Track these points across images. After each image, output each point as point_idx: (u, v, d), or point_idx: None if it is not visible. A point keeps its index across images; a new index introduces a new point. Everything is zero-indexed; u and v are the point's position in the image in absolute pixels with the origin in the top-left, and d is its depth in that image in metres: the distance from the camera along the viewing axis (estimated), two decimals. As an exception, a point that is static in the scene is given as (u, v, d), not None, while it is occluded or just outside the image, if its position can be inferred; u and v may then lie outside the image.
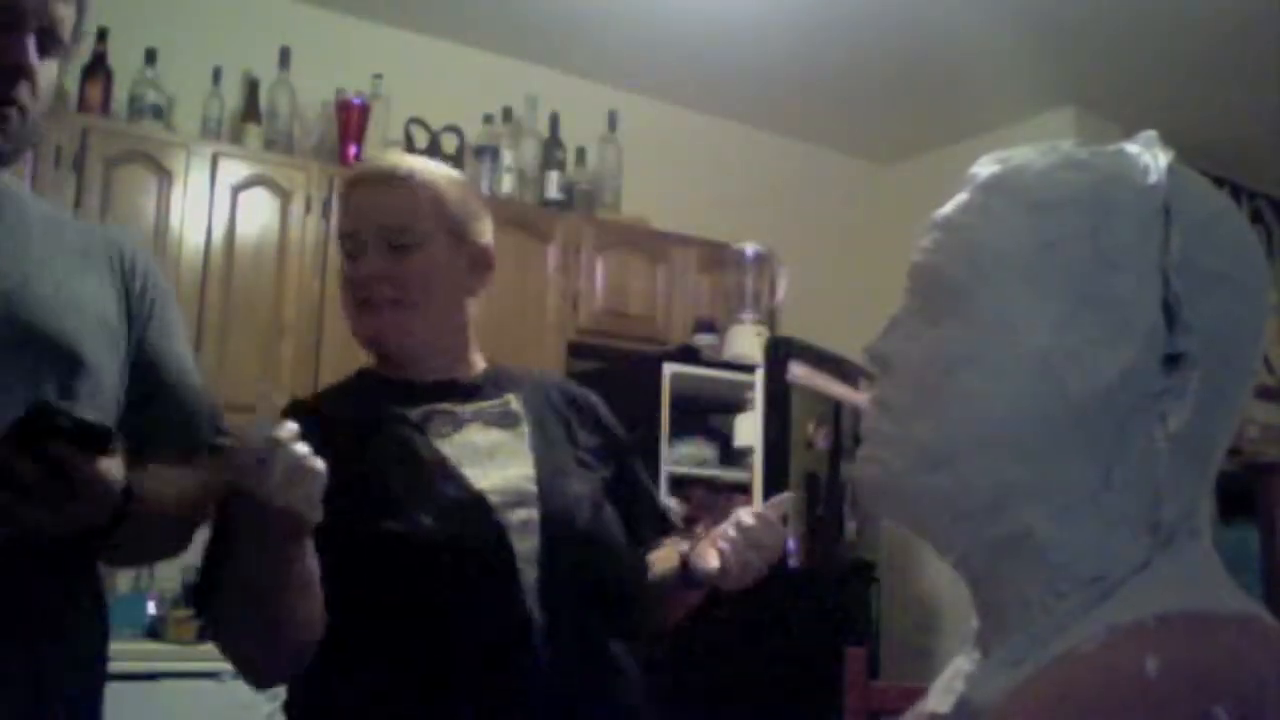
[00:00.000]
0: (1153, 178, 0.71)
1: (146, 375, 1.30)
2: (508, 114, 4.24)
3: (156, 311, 1.33)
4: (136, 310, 1.31)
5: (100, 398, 1.23)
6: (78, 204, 3.25)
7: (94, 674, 1.26)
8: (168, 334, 1.34)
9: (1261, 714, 0.59)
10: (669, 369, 3.75)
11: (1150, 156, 0.72)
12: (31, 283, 1.19)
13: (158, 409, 1.30)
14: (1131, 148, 0.74)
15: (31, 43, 1.16)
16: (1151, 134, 0.74)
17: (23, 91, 1.16)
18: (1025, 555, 0.72)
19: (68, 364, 1.19)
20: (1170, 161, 0.72)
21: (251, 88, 3.80)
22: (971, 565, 0.76)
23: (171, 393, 1.32)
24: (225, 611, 1.20)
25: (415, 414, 1.40)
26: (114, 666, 1.30)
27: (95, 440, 1.03)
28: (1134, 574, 0.69)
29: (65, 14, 1.20)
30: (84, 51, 3.09)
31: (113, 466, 1.08)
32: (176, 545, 1.33)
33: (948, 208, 0.76)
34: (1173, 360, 0.68)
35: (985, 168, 0.75)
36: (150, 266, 1.35)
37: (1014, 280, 0.71)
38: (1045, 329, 0.70)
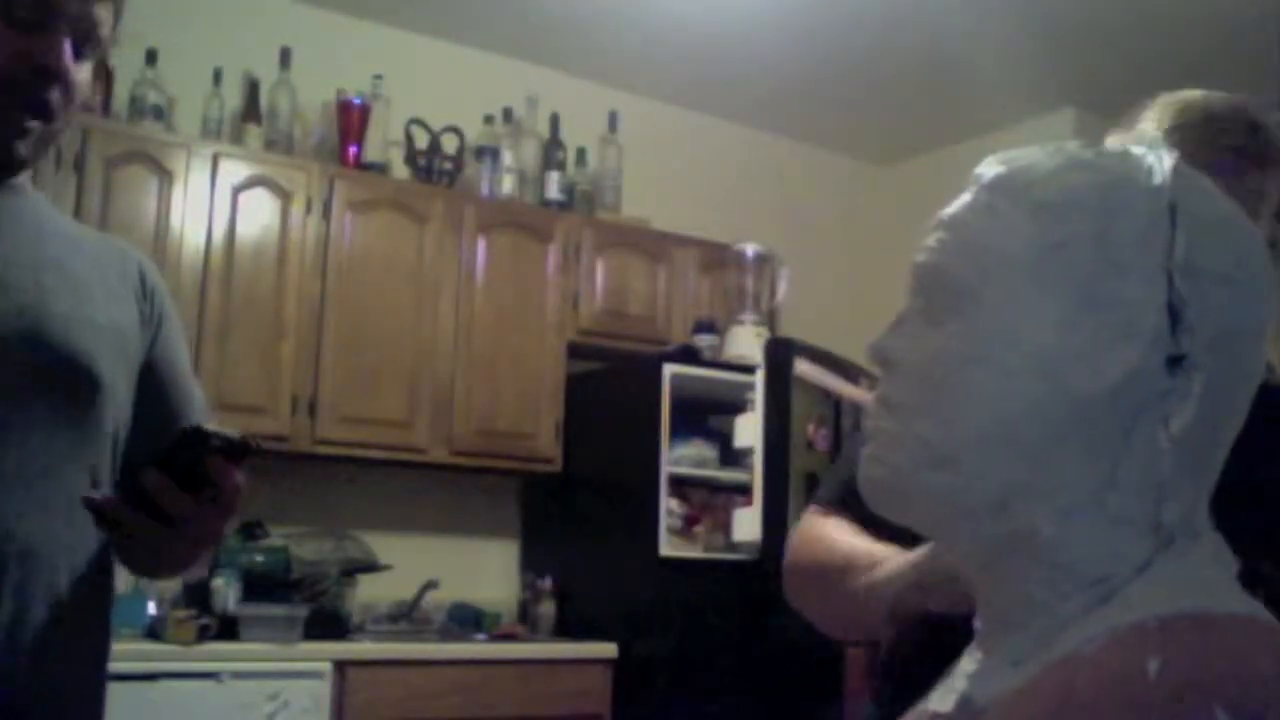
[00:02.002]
0: (1158, 179, 0.71)
1: (152, 392, 1.31)
2: (508, 114, 4.25)
3: (164, 329, 1.34)
4: (148, 329, 1.32)
5: (116, 416, 1.24)
6: (78, 204, 3.26)
7: (98, 671, 1.27)
8: (172, 350, 1.35)
9: (1264, 715, 0.59)
10: (669, 369, 3.76)
11: (1155, 158, 0.72)
12: (49, 298, 1.19)
13: (163, 427, 1.31)
14: (1137, 149, 0.74)
15: (67, 45, 1.15)
16: (1157, 135, 0.74)
17: (54, 95, 1.15)
18: (1028, 554, 0.72)
19: (86, 383, 1.20)
20: (1176, 163, 0.72)
21: (252, 88, 3.80)
22: (974, 564, 0.76)
23: (175, 411, 1.34)
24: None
25: None
26: (113, 666, 1.30)
27: (240, 453, 1.09)
28: (1136, 575, 0.69)
29: (104, 15, 1.19)
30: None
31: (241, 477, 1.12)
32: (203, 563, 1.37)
33: (952, 207, 0.76)
34: (1176, 362, 0.69)
35: (990, 168, 0.75)
36: (159, 283, 1.36)
37: (1018, 280, 0.71)
38: (1049, 329, 0.70)
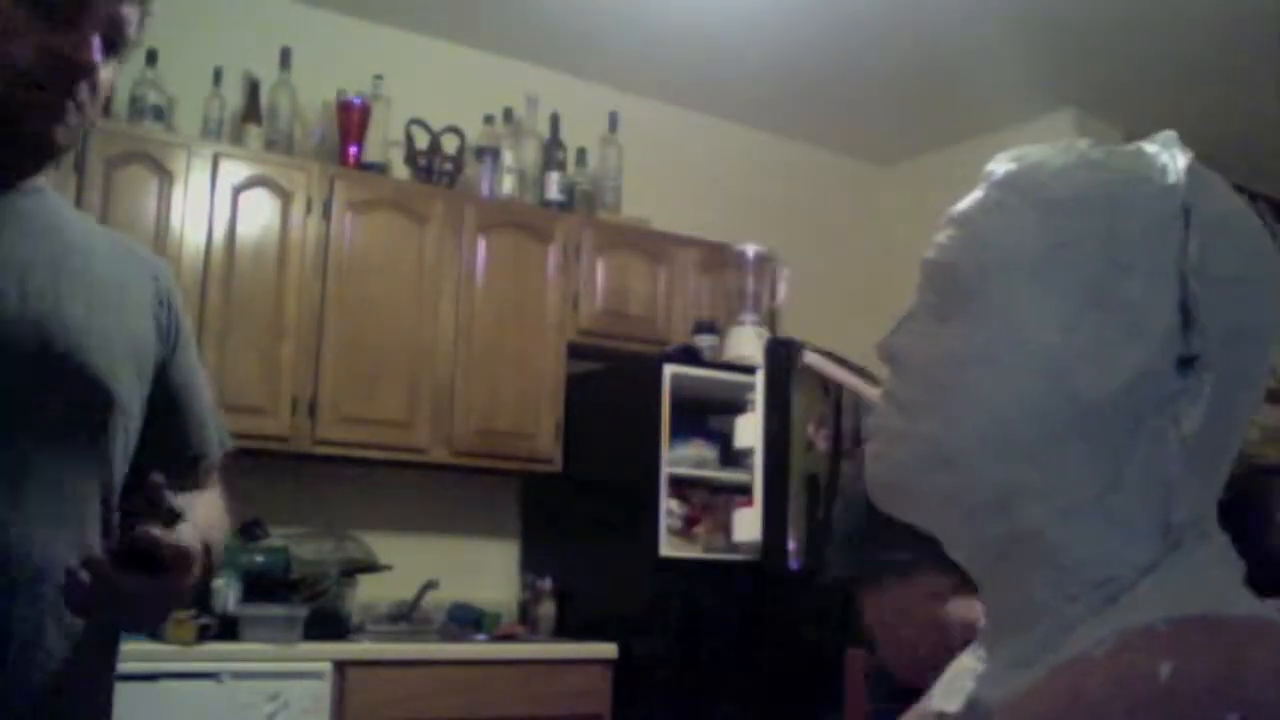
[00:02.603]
0: (1171, 178, 0.70)
1: (164, 401, 1.30)
2: (508, 114, 4.24)
3: (179, 340, 1.34)
4: (164, 340, 1.31)
5: (126, 426, 1.23)
6: (78, 205, 3.24)
7: (108, 681, 1.27)
8: (186, 359, 1.35)
9: (1273, 719, 0.59)
10: (669, 370, 3.76)
11: (1169, 156, 0.72)
12: (64, 305, 1.17)
13: (173, 437, 1.32)
14: (1150, 147, 0.73)
15: (97, 41, 1.15)
16: (1171, 134, 0.73)
17: (83, 90, 1.15)
18: (1032, 555, 0.71)
19: (99, 395, 1.19)
20: (1189, 162, 0.72)
21: (252, 88, 3.80)
22: (979, 564, 0.76)
23: (186, 421, 1.34)
24: None
25: None
26: (115, 667, 1.31)
27: (164, 520, 1.08)
28: (1143, 576, 0.69)
29: (131, 14, 1.19)
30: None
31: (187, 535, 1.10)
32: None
33: (962, 204, 0.75)
34: (1186, 362, 0.68)
35: (1001, 165, 0.75)
36: (175, 290, 1.35)
37: (1025, 279, 0.71)
38: (1055, 328, 0.70)
